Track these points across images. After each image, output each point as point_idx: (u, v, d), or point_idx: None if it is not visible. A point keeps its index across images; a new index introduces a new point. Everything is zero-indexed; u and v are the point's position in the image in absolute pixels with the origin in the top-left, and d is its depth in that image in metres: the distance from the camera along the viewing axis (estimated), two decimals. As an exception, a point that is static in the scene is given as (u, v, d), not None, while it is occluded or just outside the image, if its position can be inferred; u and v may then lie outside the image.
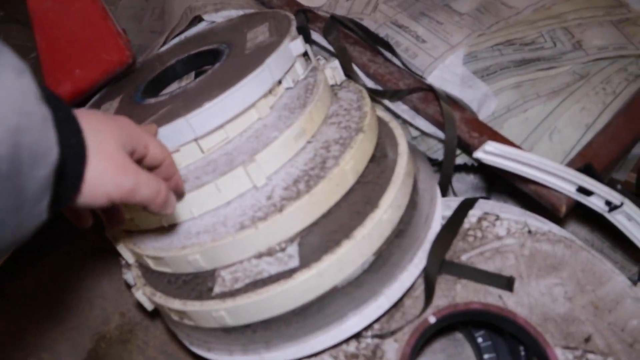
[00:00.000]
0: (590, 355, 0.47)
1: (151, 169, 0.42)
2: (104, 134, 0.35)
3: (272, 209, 0.49)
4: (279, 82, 0.58)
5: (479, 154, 0.50)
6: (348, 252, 0.47)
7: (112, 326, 0.64)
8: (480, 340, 0.57)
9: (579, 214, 0.66)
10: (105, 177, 0.34)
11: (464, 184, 0.67)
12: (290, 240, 0.50)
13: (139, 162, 0.41)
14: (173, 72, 0.72)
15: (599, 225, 0.60)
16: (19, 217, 0.28)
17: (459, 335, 0.60)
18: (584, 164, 0.53)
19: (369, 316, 0.48)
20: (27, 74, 0.28)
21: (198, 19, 0.86)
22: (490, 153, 0.49)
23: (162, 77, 0.71)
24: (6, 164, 0.26)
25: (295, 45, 0.58)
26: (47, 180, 0.29)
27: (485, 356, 0.56)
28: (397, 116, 0.66)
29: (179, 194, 0.49)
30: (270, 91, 0.56)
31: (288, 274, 0.47)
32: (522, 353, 0.54)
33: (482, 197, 0.58)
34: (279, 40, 0.58)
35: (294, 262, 0.49)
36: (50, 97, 0.32)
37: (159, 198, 0.39)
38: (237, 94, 0.53)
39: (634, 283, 0.60)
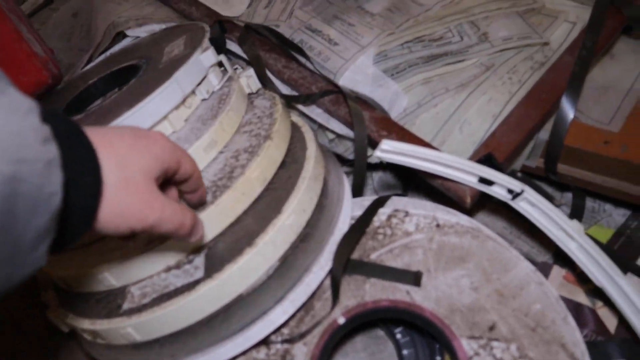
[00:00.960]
0: (494, 343, 0.48)
1: (179, 182, 0.42)
2: (132, 165, 0.34)
3: (180, 222, 0.49)
4: (194, 93, 0.58)
5: (377, 153, 0.50)
6: (251, 259, 0.47)
7: (36, 353, 0.64)
8: (399, 336, 0.57)
9: (496, 204, 0.67)
10: (128, 213, 0.33)
11: (383, 183, 0.67)
12: (198, 251, 0.50)
13: (170, 178, 0.40)
14: (95, 90, 0.71)
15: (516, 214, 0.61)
16: (12, 266, 0.26)
17: (380, 333, 0.60)
18: (485, 154, 0.53)
19: (275, 322, 0.48)
20: (34, 113, 0.26)
21: (122, 35, 0.85)
22: (387, 151, 0.50)
23: (84, 96, 0.70)
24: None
25: (206, 56, 0.58)
26: (47, 227, 0.27)
27: (405, 352, 0.56)
28: (313, 120, 0.66)
29: (202, 204, 0.49)
30: (183, 103, 0.56)
31: (192, 285, 0.47)
32: (437, 346, 0.54)
33: (396, 195, 0.59)
34: (191, 52, 0.58)
35: (199, 274, 0.49)
36: (70, 131, 0.30)
37: (183, 230, 0.38)
38: (145, 109, 0.53)
39: (550, 267, 0.61)
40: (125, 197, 0.33)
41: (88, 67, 0.82)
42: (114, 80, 0.71)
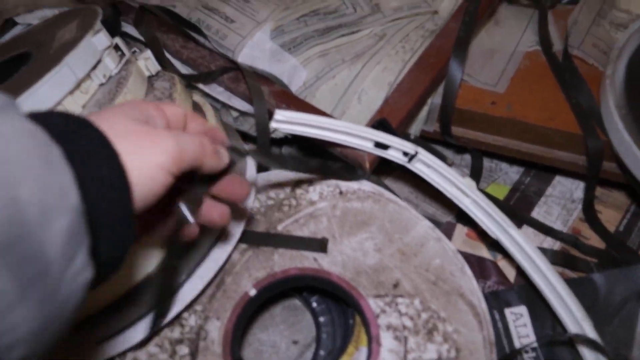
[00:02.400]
0: (399, 299, 0.50)
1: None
2: (113, 117, 0.31)
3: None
4: (90, 78, 0.56)
5: (272, 124, 0.51)
6: (154, 240, 0.47)
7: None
8: (315, 304, 0.59)
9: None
10: (144, 152, 0.30)
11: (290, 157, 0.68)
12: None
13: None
14: (-16, 83, 0.67)
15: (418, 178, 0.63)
16: (48, 292, 0.22)
17: (298, 303, 0.61)
18: (378, 119, 0.55)
19: (184, 299, 0.48)
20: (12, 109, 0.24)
21: (12, 23, 0.81)
22: (281, 122, 0.50)
23: (-28, 88, 0.67)
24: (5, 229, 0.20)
25: (99, 39, 0.57)
26: (73, 230, 0.23)
27: (321, 319, 0.58)
28: (215, 100, 0.66)
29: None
30: (78, 89, 0.54)
31: (96, 272, 0.46)
32: (350, 311, 0.56)
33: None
34: (82, 35, 0.56)
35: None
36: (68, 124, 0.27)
37: (207, 148, 0.35)
38: (35, 95, 0.51)
39: (453, 226, 0.64)
40: (132, 142, 0.30)
41: (-25, 59, 0.78)
42: (6, 69, 0.67)
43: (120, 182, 0.28)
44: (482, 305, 0.49)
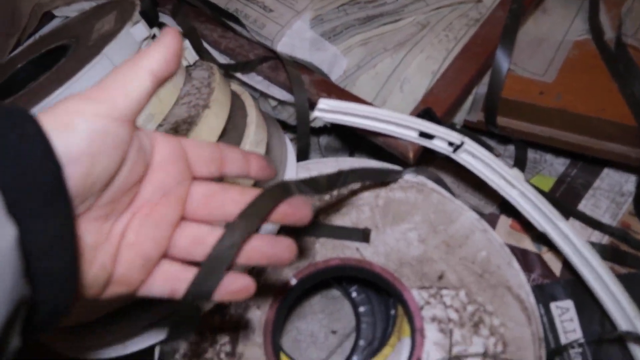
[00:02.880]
0: (444, 291, 0.48)
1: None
2: None
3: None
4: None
5: (315, 113, 0.50)
6: (197, 227, 0.47)
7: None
8: (354, 294, 0.58)
9: (443, 161, 0.68)
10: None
11: (329, 146, 0.67)
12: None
13: None
14: (25, 74, 0.68)
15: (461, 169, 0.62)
16: None
17: (337, 293, 0.61)
18: (422, 109, 0.54)
19: (226, 288, 0.47)
20: None
21: (50, 16, 0.82)
22: (324, 111, 0.49)
23: (13, 80, 0.68)
24: None
25: (137, 30, 0.57)
26: None
27: (361, 309, 0.57)
28: (254, 89, 0.65)
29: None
30: (117, 79, 0.54)
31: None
32: (391, 301, 0.55)
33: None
34: (121, 26, 0.57)
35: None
36: None
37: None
38: (76, 86, 0.51)
39: (497, 217, 0.63)
40: None
41: (16, 51, 0.79)
42: (44, 62, 0.68)
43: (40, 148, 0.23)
44: (531, 300, 0.48)
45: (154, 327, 0.48)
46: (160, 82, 0.29)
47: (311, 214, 0.34)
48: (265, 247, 0.33)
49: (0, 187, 0.21)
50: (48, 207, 0.22)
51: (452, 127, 0.53)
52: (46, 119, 0.24)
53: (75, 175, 0.25)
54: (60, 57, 0.62)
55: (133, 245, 0.29)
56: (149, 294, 0.32)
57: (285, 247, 0.33)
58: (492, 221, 0.62)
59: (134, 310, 0.47)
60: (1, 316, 0.20)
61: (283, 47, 0.64)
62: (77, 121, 0.25)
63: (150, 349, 0.49)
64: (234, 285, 0.32)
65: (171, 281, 0.32)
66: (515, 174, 0.52)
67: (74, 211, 0.24)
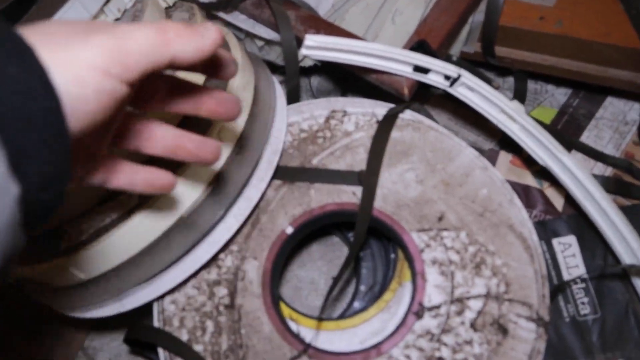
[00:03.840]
0: (444, 233, 0.47)
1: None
2: (49, 24, 0.23)
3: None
4: (103, 12, 0.53)
5: (303, 51, 0.47)
6: (185, 180, 0.45)
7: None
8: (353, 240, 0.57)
9: (439, 97, 0.65)
10: (70, 49, 0.23)
11: (321, 87, 0.64)
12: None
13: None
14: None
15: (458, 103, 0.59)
16: None
17: (336, 239, 0.59)
18: (417, 41, 0.51)
19: (219, 240, 0.46)
20: None
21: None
22: (312, 48, 0.46)
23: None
24: None
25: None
26: None
27: (360, 254, 0.56)
28: (238, 29, 0.62)
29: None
30: (93, 25, 0.51)
31: (127, 215, 0.45)
32: (391, 245, 0.54)
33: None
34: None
35: (134, 202, 0.46)
36: None
37: (173, 31, 0.25)
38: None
39: (497, 153, 0.61)
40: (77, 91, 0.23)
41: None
42: (14, 11, 0.64)
43: (39, 83, 0.21)
44: (534, 238, 0.46)
45: (149, 283, 0.46)
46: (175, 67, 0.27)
47: (240, 110, 0.34)
48: (191, 146, 0.33)
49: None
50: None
51: (448, 59, 0.50)
52: (56, 66, 0.22)
53: (76, 126, 0.23)
54: (31, 4, 0.59)
55: None
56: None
57: (211, 150, 0.34)
58: (491, 157, 0.60)
59: (128, 266, 0.46)
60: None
61: (266, -19, 0.60)
62: (89, 78, 0.23)
63: (148, 306, 0.48)
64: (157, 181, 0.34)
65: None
66: (515, 107, 0.50)
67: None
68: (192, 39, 0.26)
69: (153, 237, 0.45)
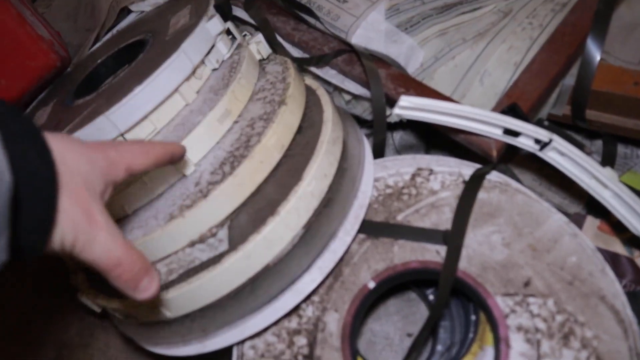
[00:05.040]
0: (530, 299, 0.46)
1: None
2: (79, 173, 0.30)
3: (199, 195, 0.48)
4: (203, 64, 0.56)
5: (396, 111, 0.48)
6: (275, 229, 0.46)
7: (73, 332, 0.64)
8: (431, 297, 0.56)
9: (524, 158, 0.64)
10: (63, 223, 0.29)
11: (404, 142, 0.65)
12: (221, 224, 0.49)
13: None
14: (104, 70, 0.70)
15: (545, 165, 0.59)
16: None
17: (412, 295, 0.59)
18: (508, 104, 0.51)
19: (303, 290, 0.47)
20: None
21: (127, 11, 0.84)
22: (406, 108, 0.48)
23: (93, 76, 0.69)
24: None
25: (212, 24, 0.57)
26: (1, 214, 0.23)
27: (438, 312, 0.55)
28: (327, 83, 0.64)
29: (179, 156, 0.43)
30: (193, 75, 0.55)
31: (217, 259, 0.46)
32: (472, 305, 0.53)
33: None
34: (197, 21, 0.57)
35: (224, 246, 0.48)
36: (9, 113, 0.27)
37: (119, 272, 0.32)
38: (154, 83, 0.51)
39: (584, 217, 0.59)
40: (66, 199, 0.28)
41: (95, 46, 0.81)
42: (123, 57, 0.69)
43: (51, 178, 0.27)
44: (627, 312, 0.45)
45: (232, 326, 0.48)
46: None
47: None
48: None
49: None
50: None
51: (539, 123, 0.50)
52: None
53: None
54: (138, 51, 0.63)
55: None
56: None
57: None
58: (578, 222, 0.59)
59: (213, 308, 0.48)
60: None
61: (358, 39, 0.63)
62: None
63: (227, 348, 0.49)
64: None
65: None
66: (608, 174, 0.49)
67: None
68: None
69: (240, 282, 0.47)
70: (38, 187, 0.26)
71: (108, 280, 0.33)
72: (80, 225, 0.29)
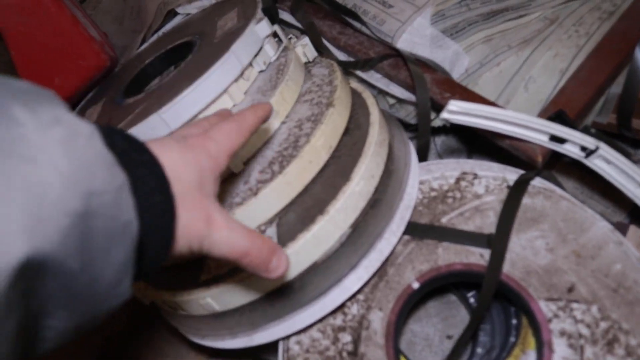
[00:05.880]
0: (574, 305, 0.47)
1: None
2: (183, 177, 0.31)
3: (249, 194, 0.49)
4: (251, 65, 0.58)
5: (444, 115, 0.49)
6: (323, 227, 0.47)
7: (119, 323, 0.66)
8: (472, 300, 0.57)
9: (566, 164, 0.65)
10: (190, 231, 0.30)
11: (446, 147, 0.66)
12: (270, 222, 0.51)
13: None
14: (152, 70, 0.72)
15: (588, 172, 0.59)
16: (95, 306, 0.24)
17: (453, 298, 0.60)
18: (555, 111, 0.52)
19: (349, 288, 0.48)
20: (95, 138, 0.24)
21: (173, 13, 0.86)
22: (454, 112, 0.48)
23: (142, 76, 0.71)
24: (76, 259, 0.22)
25: (261, 27, 0.58)
26: (127, 260, 0.25)
27: (479, 315, 0.56)
28: (372, 86, 0.65)
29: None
30: (241, 76, 0.56)
31: (266, 255, 0.48)
32: (512, 309, 0.54)
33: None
34: (245, 24, 0.58)
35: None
36: (132, 149, 0.28)
37: (251, 258, 0.34)
38: (205, 83, 0.53)
39: (627, 226, 0.59)
40: (185, 213, 0.30)
41: (142, 47, 0.83)
42: (170, 58, 0.72)
43: (169, 209, 0.28)
44: (673, 319, 0.45)
45: (280, 321, 0.49)
46: None
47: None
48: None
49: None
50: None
51: (586, 130, 0.50)
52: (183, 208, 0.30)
53: None
54: (186, 53, 0.65)
55: None
56: None
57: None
58: (620, 231, 0.58)
59: (262, 303, 0.49)
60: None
61: (403, 43, 0.64)
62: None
63: (273, 343, 0.51)
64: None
65: None
66: (655, 183, 0.49)
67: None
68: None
69: (288, 278, 0.48)
70: (161, 225, 0.28)
71: (241, 267, 0.35)
72: (202, 232, 0.31)
